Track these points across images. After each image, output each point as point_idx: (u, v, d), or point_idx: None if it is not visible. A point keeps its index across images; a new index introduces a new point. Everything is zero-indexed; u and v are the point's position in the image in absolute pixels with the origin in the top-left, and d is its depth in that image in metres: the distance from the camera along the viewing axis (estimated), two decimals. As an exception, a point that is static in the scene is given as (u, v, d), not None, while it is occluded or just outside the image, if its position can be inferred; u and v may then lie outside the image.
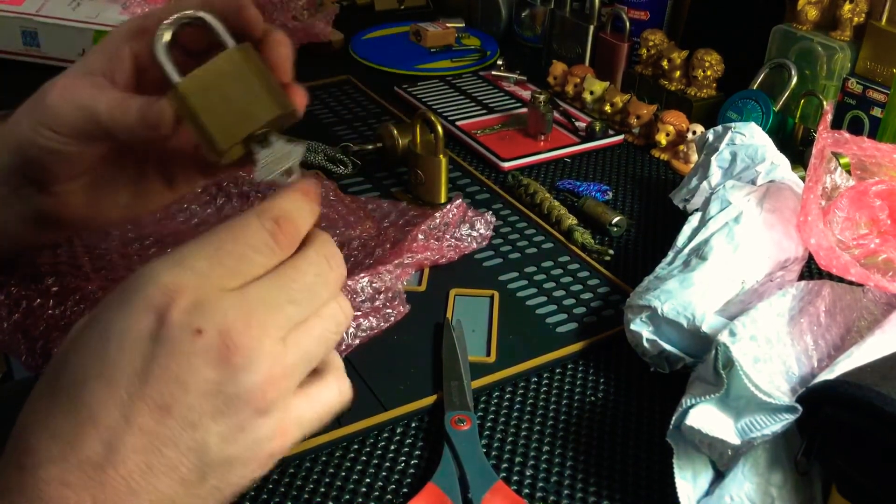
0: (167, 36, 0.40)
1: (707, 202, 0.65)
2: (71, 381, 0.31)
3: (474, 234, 0.69)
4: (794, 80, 0.87)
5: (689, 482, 0.46)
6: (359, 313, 0.58)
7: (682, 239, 0.63)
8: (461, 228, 0.69)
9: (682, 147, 0.86)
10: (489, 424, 0.53)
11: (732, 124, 0.74)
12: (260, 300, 0.33)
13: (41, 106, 0.43)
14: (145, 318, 0.31)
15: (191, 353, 0.31)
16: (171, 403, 0.31)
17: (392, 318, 0.59)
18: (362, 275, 0.60)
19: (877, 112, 0.82)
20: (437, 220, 0.67)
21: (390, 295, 0.60)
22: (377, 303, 0.59)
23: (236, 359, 0.31)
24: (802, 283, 0.53)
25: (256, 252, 0.33)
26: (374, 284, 0.60)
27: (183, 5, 0.41)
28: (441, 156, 0.73)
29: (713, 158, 0.73)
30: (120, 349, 0.31)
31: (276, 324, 0.33)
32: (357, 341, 0.57)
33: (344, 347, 0.56)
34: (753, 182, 0.69)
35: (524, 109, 0.93)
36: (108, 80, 0.44)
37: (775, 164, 0.70)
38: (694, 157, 0.83)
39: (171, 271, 0.32)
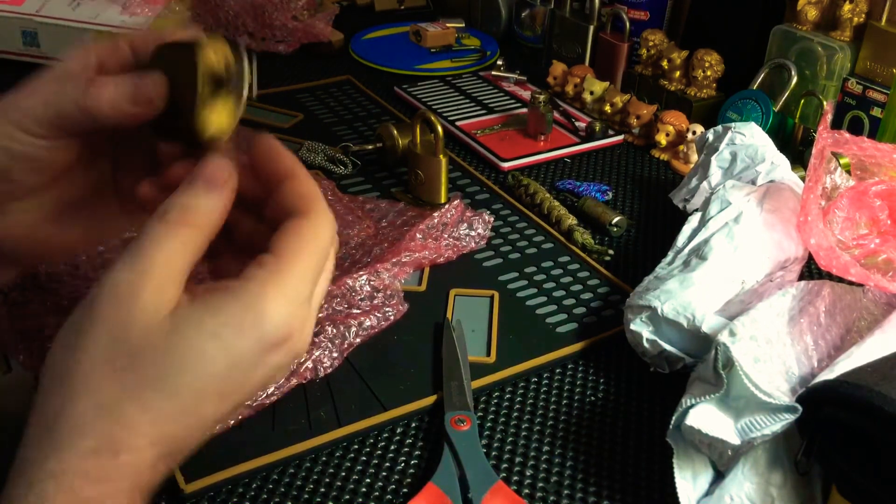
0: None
1: (707, 202, 0.65)
2: (181, 383, 0.34)
3: (472, 234, 0.69)
4: (794, 80, 0.87)
5: (689, 482, 0.46)
6: (358, 311, 0.58)
7: (682, 239, 0.63)
8: (459, 228, 0.69)
9: (682, 147, 0.86)
10: (489, 424, 0.53)
11: (732, 124, 0.74)
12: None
13: (12, 109, 0.40)
14: (260, 352, 0.35)
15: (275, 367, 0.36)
16: (242, 402, 0.36)
17: (391, 317, 0.59)
18: (360, 273, 0.60)
19: (877, 112, 0.82)
20: (436, 220, 0.67)
21: (389, 293, 0.60)
22: (376, 301, 0.59)
23: (296, 352, 0.37)
24: (802, 283, 0.53)
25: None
26: (372, 283, 0.60)
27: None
28: (441, 156, 0.73)
29: (713, 158, 0.73)
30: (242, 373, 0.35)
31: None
32: (359, 339, 0.57)
33: (346, 346, 0.56)
34: (753, 182, 0.69)
35: (524, 109, 0.93)
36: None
37: (775, 164, 0.70)
38: (694, 157, 0.83)
39: (283, 312, 0.35)
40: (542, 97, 0.87)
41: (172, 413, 0.33)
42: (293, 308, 0.35)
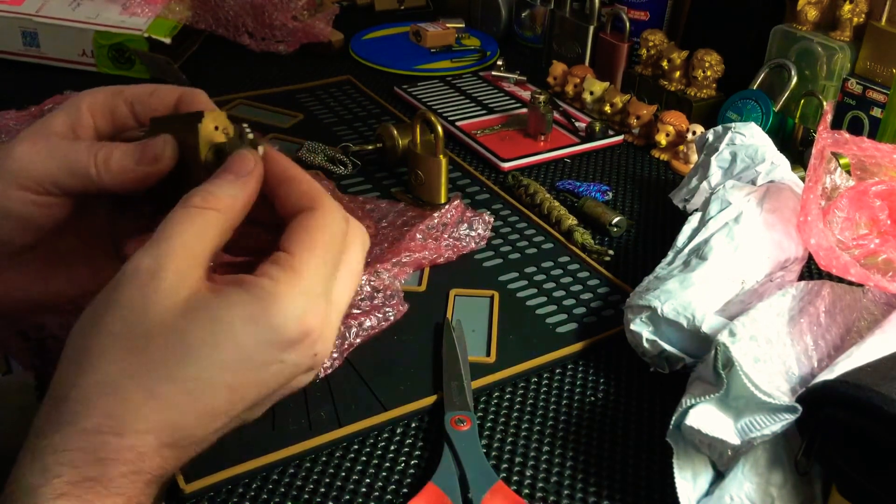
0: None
1: (707, 202, 0.65)
2: (193, 374, 0.33)
3: (472, 234, 0.69)
4: (794, 81, 0.87)
5: (689, 482, 0.46)
6: (358, 311, 0.58)
7: (682, 239, 0.63)
8: (459, 228, 0.69)
9: (682, 147, 0.86)
10: (489, 424, 0.53)
11: (732, 124, 0.74)
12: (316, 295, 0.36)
13: (6, 166, 0.39)
14: (274, 348, 0.35)
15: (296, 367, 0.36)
16: (259, 401, 0.36)
17: (392, 317, 0.59)
18: (361, 274, 0.60)
19: (877, 112, 0.82)
20: (436, 221, 0.67)
21: (389, 293, 0.60)
22: (376, 301, 0.59)
23: (317, 353, 0.36)
24: (802, 283, 0.53)
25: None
26: (372, 283, 0.60)
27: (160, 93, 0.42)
28: (441, 156, 0.73)
29: (713, 158, 0.73)
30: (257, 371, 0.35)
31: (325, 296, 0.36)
32: (359, 340, 0.57)
33: (346, 346, 0.56)
34: (753, 182, 0.69)
35: (524, 109, 0.93)
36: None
37: (775, 164, 0.70)
38: (694, 158, 0.83)
39: (297, 308, 0.35)
40: (542, 97, 0.87)
41: (177, 401, 0.33)
42: (308, 304, 0.35)
